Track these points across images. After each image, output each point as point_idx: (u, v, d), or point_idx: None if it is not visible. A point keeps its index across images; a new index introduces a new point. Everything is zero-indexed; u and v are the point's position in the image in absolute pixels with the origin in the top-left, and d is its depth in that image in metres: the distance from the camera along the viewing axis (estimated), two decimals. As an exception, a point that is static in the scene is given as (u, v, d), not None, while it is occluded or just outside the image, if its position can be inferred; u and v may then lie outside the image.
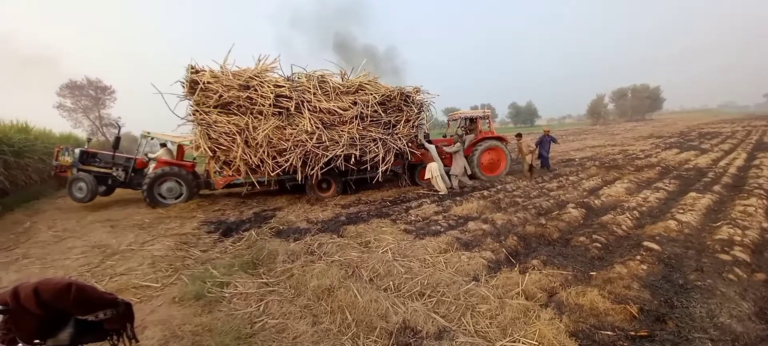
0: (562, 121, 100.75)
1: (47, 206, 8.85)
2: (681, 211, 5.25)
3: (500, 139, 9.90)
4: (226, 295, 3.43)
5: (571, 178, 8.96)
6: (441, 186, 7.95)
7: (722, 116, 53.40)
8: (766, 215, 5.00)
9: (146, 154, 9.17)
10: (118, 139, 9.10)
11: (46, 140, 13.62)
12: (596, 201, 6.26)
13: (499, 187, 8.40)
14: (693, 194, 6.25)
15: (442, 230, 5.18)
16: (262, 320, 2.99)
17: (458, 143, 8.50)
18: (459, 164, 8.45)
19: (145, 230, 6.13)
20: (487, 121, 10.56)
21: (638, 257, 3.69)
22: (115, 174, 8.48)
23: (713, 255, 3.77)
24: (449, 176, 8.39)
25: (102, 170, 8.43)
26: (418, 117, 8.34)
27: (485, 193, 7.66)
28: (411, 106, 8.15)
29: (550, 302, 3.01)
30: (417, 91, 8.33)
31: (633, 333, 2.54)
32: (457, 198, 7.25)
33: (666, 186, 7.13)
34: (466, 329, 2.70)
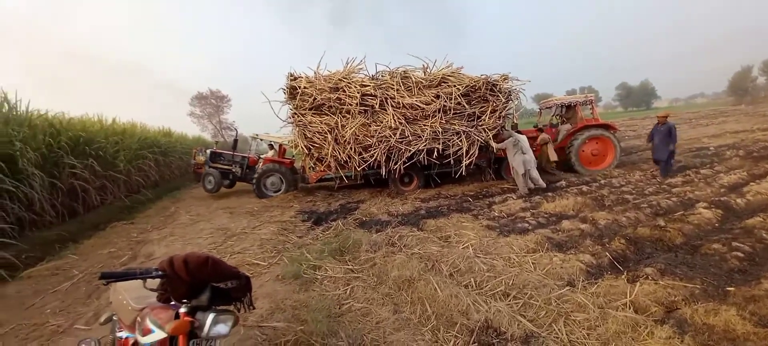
0: (690, 102, 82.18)
1: (185, 196, 10.99)
2: None
3: (607, 126, 8.64)
4: (319, 277, 3.79)
5: (702, 171, 7.35)
6: (520, 184, 7.09)
7: None
8: None
9: (258, 154, 10.75)
10: (236, 140, 10.84)
11: (183, 142, 16.99)
12: (739, 200, 5.03)
13: (603, 182, 7.38)
14: None
15: (529, 227, 4.82)
16: (349, 302, 3.23)
17: (511, 138, 7.21)
18: (517, 161, 7.05)
19: (255, 216, 7.13)
20: (590, 106, 9.29)
21: (801, 273, 2.86)
22: (234, 170, 10.11)
23: None
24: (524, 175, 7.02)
25: (225, 167, 10.14)
26: (506, 107, 7.83)
27: (584, 188, 6.80)
28: (498, 96, 7.70)
29: (667, 318, 2.56)
30: (504, 79, 7.81)
31: (790, 368, 2.00)
32: (549, 194, 6.61)
33: None
34: (557, 338, 2.48)
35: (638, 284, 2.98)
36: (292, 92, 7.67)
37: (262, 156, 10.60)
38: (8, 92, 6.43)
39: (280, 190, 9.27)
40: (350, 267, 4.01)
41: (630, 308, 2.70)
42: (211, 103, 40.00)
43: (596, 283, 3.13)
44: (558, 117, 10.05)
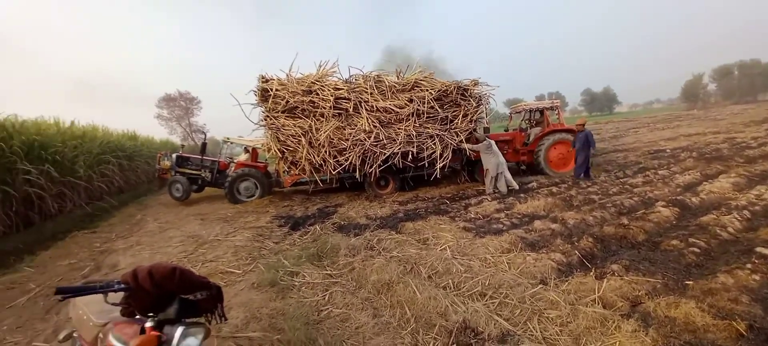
0: (647, 107, 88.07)
1: (153, 202, 10.44)
2: (812, 211, 4.29)
3: (571, 131, 9.07)
4: (296, 283, 3.71)
5: (660, 172, 7.86)
6: (487, 185, 7.46)
7: None
8: None
9: (230, 158, 10.38)
10: (204, 144, 10.38)
11: (150, 146, 16.18)
12: (694, 199, 5.41)
13: (570, 183, 7.72)
14: (831, 190, 5.06)
15: (504, 228, 4.95)
16: (328, 308, 3.18)
17: (486, 141, 7.51)
18: (491, 163, 7.40)
19: (228, 223, 6.89)
20: (556, 112, 9.71)
21: (749, 266, 3.11)
22: (203, 175, 9.70)
23: None
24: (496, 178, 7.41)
25: (193, 172, 9.69)
26: (477, 111, 8.05)
27: (554, 190, 7.08)
28: (469, 100, 7.90)
29: (633, 312, 2.69)
30: (475, 84, 8.04)
31: (741, 354, 2.16)
32: (521, 195, 6.84)
33: (790, 181, 5.88)
34: (532, 335, 2.56)
35: (605, 280, 3.13)
36: (264, 95, 7.53)
37: (234, 160, 10.26)
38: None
39: (254, 195, 9.02)
40: (329, 272, 3.96)
41: (598, 304, 2.83)
42: (180, 106, 38.39)
43: (567, 280, 3.25)
44: (527, 122, 10.44)
